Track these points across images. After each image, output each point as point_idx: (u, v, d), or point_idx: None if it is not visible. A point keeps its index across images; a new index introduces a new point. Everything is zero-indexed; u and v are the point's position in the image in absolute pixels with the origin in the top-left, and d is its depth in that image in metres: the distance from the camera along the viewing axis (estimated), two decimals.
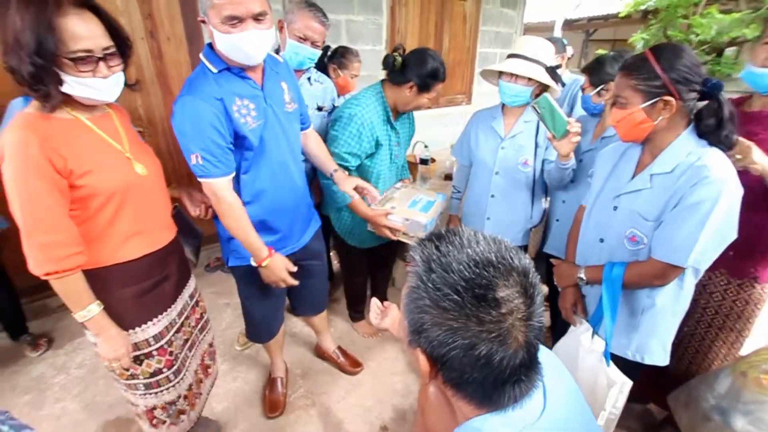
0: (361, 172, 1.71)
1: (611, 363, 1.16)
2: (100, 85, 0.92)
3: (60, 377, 1.92)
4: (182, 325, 1.27)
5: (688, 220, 0.98)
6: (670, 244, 1.02)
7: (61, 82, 0.88)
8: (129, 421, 1.68)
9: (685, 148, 1.02)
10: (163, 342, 1.18)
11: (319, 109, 1.78)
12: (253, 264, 1.30)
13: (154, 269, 1.14)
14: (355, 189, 1.49)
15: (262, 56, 1.14)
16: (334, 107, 1.87)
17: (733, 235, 0.99)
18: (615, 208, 1.16)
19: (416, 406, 1.75)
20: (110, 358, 1.07)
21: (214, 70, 1.12)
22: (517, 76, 1.50)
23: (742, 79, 1.26)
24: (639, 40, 6.88)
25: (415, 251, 0.57)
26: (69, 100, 0.94)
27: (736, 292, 1.38)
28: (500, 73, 1.57)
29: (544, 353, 0.66)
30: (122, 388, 1.21)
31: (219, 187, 1.17)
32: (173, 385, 1.23)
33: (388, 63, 1.57)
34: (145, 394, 1.20)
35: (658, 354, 1.18)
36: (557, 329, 1.60)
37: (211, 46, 1.14)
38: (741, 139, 1.07)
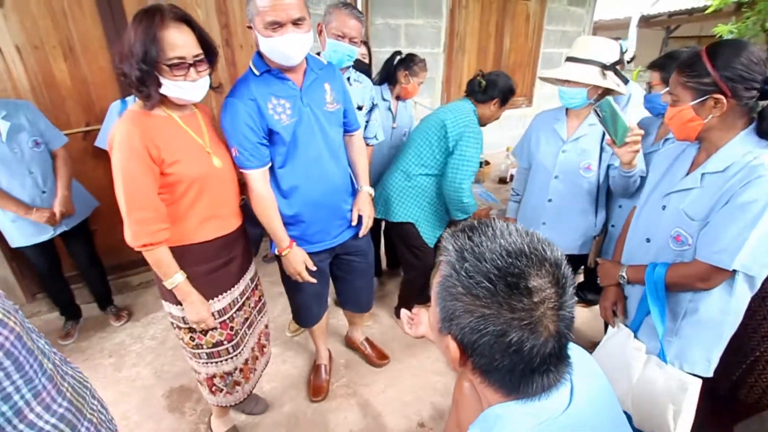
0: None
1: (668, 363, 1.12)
2: (189, 87, 1.08)
3: (136, 346, 2.17)
4: (243, 304, 1.40)
5: (736, 219, 0.92)
6: (715, 244, 0.96)
7: (160, 85, 1.05)
8: (191, 390, 1.86)
9: (743, 147, 0.95)
10: (226, 317, 1.32)
11: (359, 108, 1.85)
12: (276, 253, 1.42)
13: (223, 251, 1.28)
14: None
15: (300, 58, 1.23)
16: (373, 106, 1.94)
17: None
18: (664, 207, 1.11)
19: None
20: (195, 320, 1.22)
21: (257, 73, 1.25)
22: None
23: None
24: (726, 32, 6.14)
25: (447, 241, 0.58)
26: (164, 100, 1.11)
27: None
28: None
29: (577, 353, 0.65)
30: (188, 356, 1.36)
31: (252, 178, 1.29)
32: (231, 357, 1.37)
33: (474, 85, 1.84)
34: (207, 363, 1.35)
35: (700, 364, 1.10)
36: None
37: (259, 52, 1.26)
38: None
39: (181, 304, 1.21)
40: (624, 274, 1.21)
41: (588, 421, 0.57)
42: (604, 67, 1.45)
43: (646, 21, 8.40)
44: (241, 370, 1.43)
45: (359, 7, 2.88)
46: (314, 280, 1.47)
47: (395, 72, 2.15)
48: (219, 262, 1.28)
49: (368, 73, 2.10)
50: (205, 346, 1.31)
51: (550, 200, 1.66)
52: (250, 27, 1.21)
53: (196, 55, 1.07)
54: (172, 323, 1.31)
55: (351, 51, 1.64)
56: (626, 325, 1.23)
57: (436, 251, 1.99)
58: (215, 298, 1.28)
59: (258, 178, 1.30)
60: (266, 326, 1.61)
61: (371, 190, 1.60)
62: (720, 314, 1.05)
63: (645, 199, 1.22)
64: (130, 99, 2.20)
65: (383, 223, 2.37)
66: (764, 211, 0.88)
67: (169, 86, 1.06)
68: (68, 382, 0.73)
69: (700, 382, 1.08)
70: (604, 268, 1.33)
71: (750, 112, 0.97)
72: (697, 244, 1.01)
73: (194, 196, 1.17)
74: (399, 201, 1.94)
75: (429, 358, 2.07)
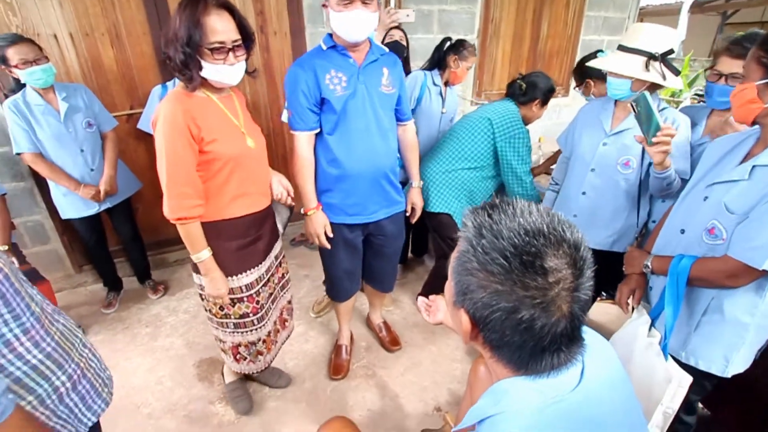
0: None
1: (669, 358, 1.08)
2: (227, 71, 1.13)
3: (171, 318, 2.31)
4: (268, 280, 1.47)
5: None
6: (750, 241, 0.90)
7: (201, 68, 1.11)
8: (218, 361, 1.97)
9: None
10: (252, 291, 1.39)
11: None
12: (302, 212, 1.51)
13: (251, 228, 1.35)
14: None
15: (363, 36, 1.32)
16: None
17: None
18: (705, 198, 1.05)
19: None
20: (214, 295, 1.30)
21: (324, 47, 1.38)
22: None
23: None
24: None
25: (467, 218, 0.59)
26: (204, 83, 1.17)
27: None
28: None
29: (594, 338, 0.64)
30: (214, 326, 1.45)
31: (297, 139, 1.43)
32: (256, 329, 1.45)
33: (515, 88, 1.92)
34: (233, 332, 1.43)
35: (716, 363, 1.06)
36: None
37: (331, 35, 1.38)
38: None
39: None
40: (649, 263, 1.17)
41: (597, 404, 0.57)
42: (652, 57, 1.33)
43: (699, 6, 7.81)
44: (263, 341, 1.50)
45: None
46: (329, 246, 1.55)
47: (445, 57, 2.17)
48: (248, 240, 1.34)
49: (404, 57, 2.13)
50: (232, 317, 1.39)
51: (584, 193, 1.59)
52: (324, 5, 1.32)
53: (235, 41, 1.12)
54: (201, 294, 1.39)
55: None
56: (645, 311, 1.20)
57: None
58: (244, 273, 1.35)
59: (303, 140, 1.43)
60: (289, 302, 1.68)
61: (421, 184, 1.76)
62: (746, 315, 1.00)
63: (689, 189, 1.16)
64: (170, 84, 2.30)
65: None
66: None
67: (210, 69, 1.12)
68: (58, 328, 0.81)
69: (690, 379, 1.04)
70: (631, 255, 1.29)
71: None
72: (732, 239, 0.95)
73: (228, 174, 1.23)
74: (437, 192, 1.97)
75: (449, 345, 2.08)
